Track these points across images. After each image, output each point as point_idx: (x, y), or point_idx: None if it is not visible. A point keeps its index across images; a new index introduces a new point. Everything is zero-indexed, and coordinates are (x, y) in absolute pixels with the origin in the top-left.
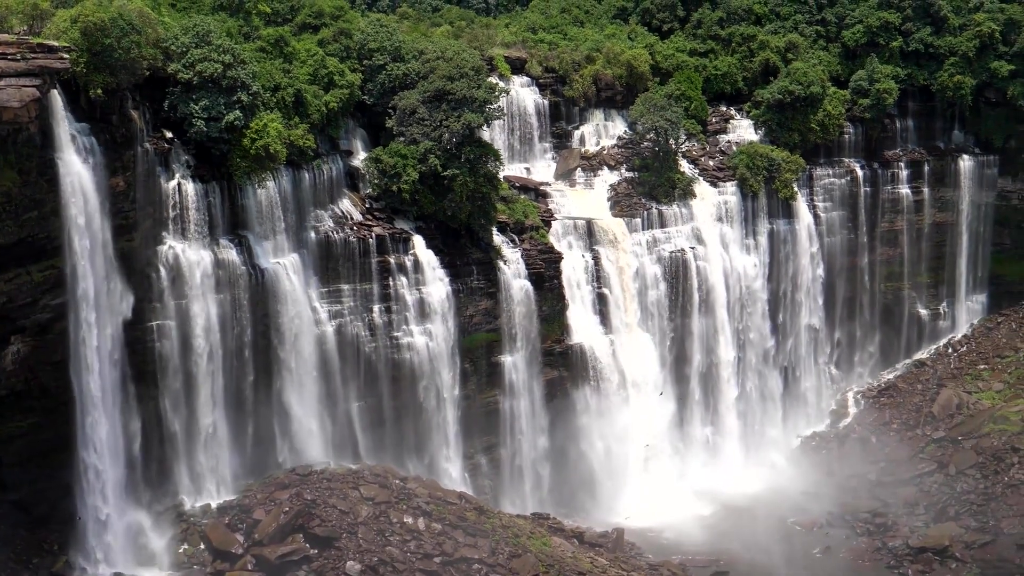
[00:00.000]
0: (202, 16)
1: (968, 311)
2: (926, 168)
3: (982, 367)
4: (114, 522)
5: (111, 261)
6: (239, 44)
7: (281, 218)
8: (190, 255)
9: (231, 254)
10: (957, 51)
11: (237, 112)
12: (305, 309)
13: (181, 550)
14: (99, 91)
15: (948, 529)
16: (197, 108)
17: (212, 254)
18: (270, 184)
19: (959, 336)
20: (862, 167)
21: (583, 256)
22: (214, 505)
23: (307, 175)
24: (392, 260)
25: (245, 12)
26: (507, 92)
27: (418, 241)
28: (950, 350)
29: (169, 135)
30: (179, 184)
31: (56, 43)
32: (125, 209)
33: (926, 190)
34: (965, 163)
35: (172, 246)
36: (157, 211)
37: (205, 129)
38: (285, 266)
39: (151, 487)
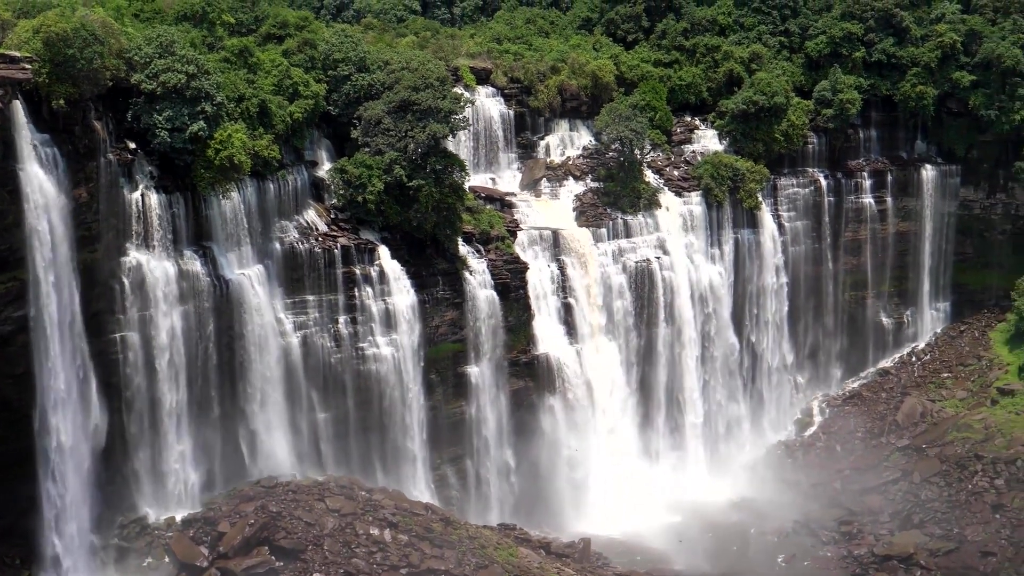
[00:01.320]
0: (166, 26)
1: (931, 320)
2: (889, 178)
3: (945, 375)
4: (77, 535)
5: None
6: (203, 54)
7: (246, 229)
8: (154, 266)
9: (195, 265)
10: (919, 61)
11: (201, 123)
12: (270, 320)
13: (145, 563)
14: (61, 102)
15: (913, 537)
16: (161, 119)
17: (176, 265)
18: (234, 195)
19: (922, 345)
20: (826, 177)
21: (549, 266)
22: (178, 518)
23: (272, 186)
24: (357, 271)
25: (209, 23)
26: (472, 102)
27: (383, 252)
28: (914, 358)
29: (132, 146)
30: (142, 195)
31: (18, 53)
32: (88, 220)
33: (889, 200)
34: (928, 173)
35: (136, 257)
36: (120, 222)
37: (169, 140)
38: (250, 277)
39: (115, 500)
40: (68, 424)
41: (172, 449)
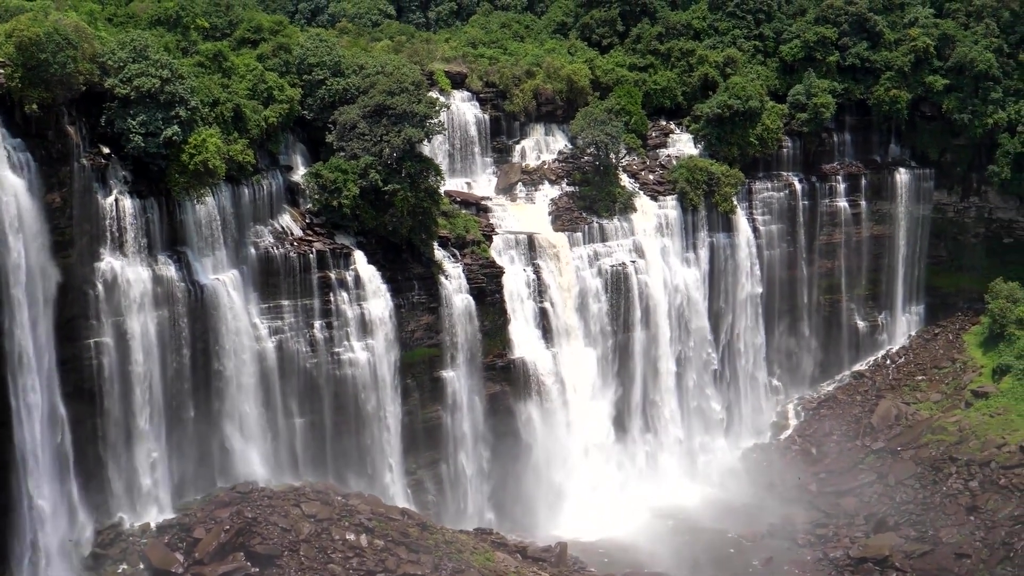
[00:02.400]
0: (139, 31)
1: (905, 322)
2: (863, 181)
3: (920, 378)
4: (51, 541)
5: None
6: (177, 59)
7: (220, 234)
8: (128, 272)
9: (170, 270)
10: (893, 66)
11: (175, 127)
12: (245, 325)
13: (120, 570)
14: (34, 106)
15: (888, 539)
16: (134, 123)
17: (150, 270)
18: (209, 200)
19: (897, 347)
20: (800, 181)
21: (525, 270)
22: (153, 524)
23: (247, 190)
24: (333, 275)
25: (183, 27)
26: (447, 107)
27: (359, 256)
28: (888, 361)
29: (106, 151)
30: (116, 200)
31: None
32: (61, 225)
33: (863, 203)
34: (902, 176)
35: (110, 262)
36: (94, 227)
37: (143, 144)
38: (224, 282)
39: (89, 506)
40: (43, 430)
41: (147, 455)
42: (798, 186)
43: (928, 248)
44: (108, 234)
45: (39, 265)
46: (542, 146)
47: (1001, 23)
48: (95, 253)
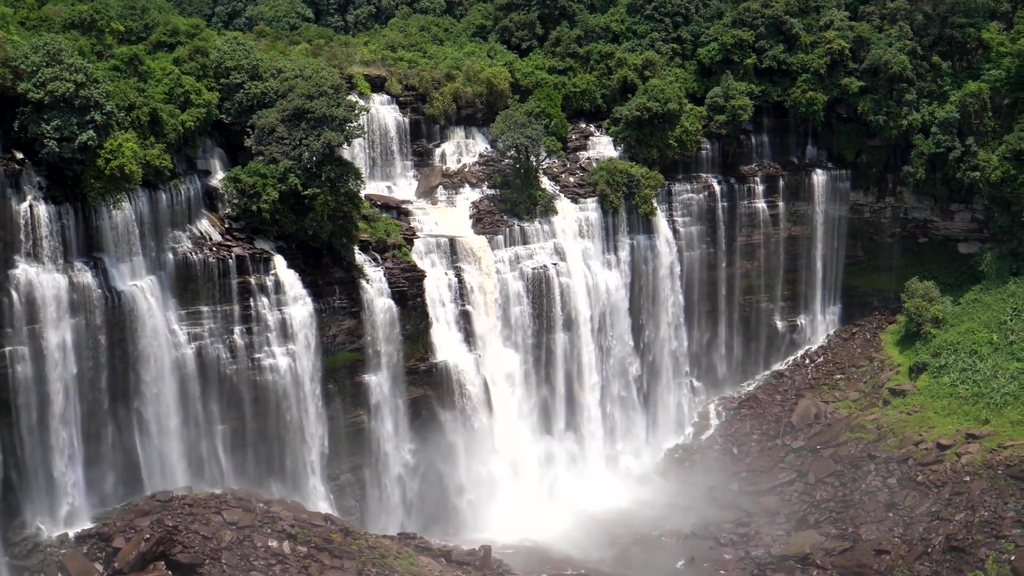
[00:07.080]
0: (53, 34)
1: (824, 322)
2: (781, 183)
3: (838, 377)
4: None
5: None
6: (92, 63)
7: (138, 240)
8: (43, 279)
9: (86, 277)
10: (809, 68)
11: (91, 132)
12: (163, 332)
13: None
14: None
15: (809, 537)
16: (49, 128)
17: (66, 277)
18: (126, 205)
19: (815, 347)
20: (719, 182)
21: (446, 274)
22: (72, 534)
23: (164, 195)
24: (253, 280)
25: (98, 30)
26: (367, 110)
27: (279, 261)
28: (807, 361)
29: (20, 156)
30: (31, 206)
31: None
32: None
33: (781, 204)
34: (819, 177)
35: (24, 270)
36: (8, 234)
37: (57, 150)
38: (142, 288)
39: (5, 517)
40: None
41: (64, 464)
42: (717, 188)
43: (845, 248)
44: (23, 241)
45: None
46: (462, 149)
47: (915, 26)
48: (9, 260)
